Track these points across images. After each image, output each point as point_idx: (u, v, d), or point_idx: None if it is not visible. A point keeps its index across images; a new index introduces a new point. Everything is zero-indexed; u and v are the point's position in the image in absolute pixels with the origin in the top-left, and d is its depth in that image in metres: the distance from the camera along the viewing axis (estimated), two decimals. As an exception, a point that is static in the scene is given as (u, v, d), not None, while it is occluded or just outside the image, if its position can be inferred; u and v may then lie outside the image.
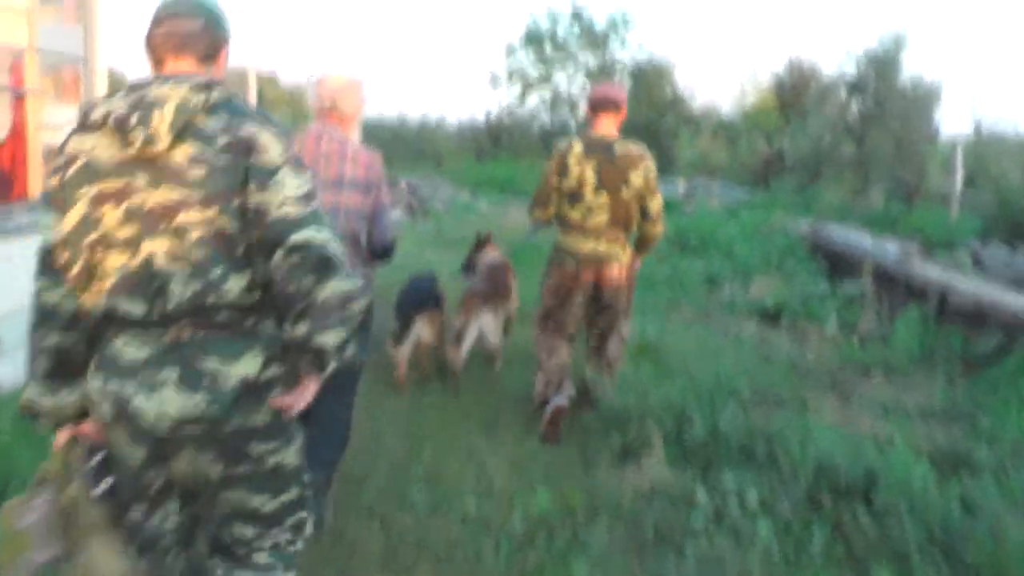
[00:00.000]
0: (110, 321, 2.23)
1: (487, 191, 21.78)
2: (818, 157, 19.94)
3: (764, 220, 13.53)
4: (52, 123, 7.68)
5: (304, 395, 2.37)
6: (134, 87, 2.21)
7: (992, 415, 5.30)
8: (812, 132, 20.90)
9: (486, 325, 6.07)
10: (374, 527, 4.03)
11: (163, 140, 2.12)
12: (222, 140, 2.17)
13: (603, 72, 30.32)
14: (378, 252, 4.19)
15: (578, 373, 5.50)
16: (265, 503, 2.42)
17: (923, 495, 3.89)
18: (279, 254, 2.15)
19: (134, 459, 2.27)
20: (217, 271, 2.18)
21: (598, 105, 5.20)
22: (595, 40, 30.50)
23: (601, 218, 5.11)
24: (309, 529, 2.62)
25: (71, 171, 2.19)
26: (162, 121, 2.12)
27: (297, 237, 2.14)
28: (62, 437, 2.39)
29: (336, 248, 2.19)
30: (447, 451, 4.98)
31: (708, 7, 62.28)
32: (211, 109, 2.20)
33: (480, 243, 7.06)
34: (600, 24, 30.62)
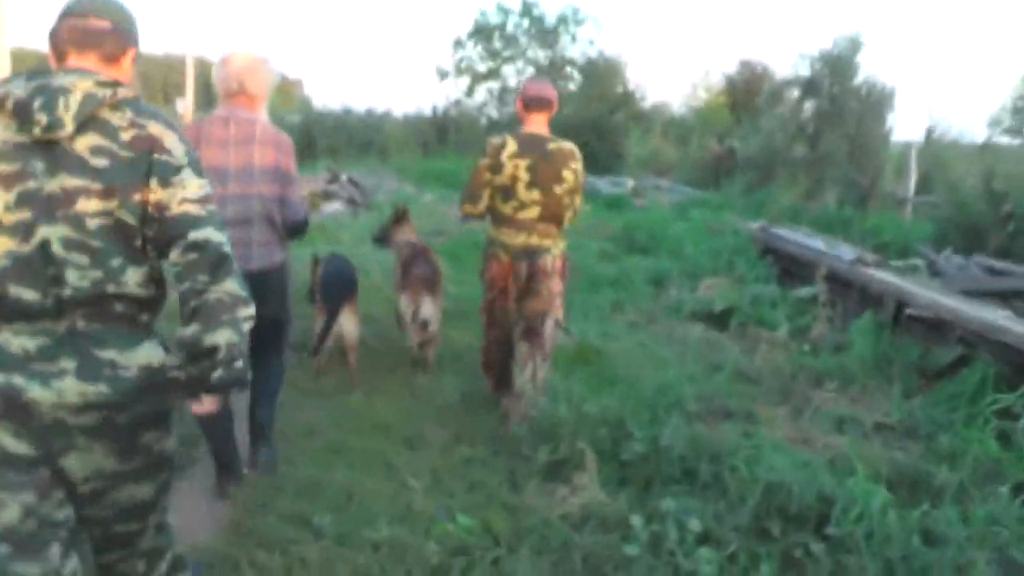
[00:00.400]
0: (0, 309, 2.20)
1: (433, 185, 21.31)
2: (770, 157, 19.62)
3: (714, 220, 13.17)
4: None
5: (208, 403, 2.56)
6: (34, 74, 2.23)
7: (952, 433, 4.96)
8: (764, 132, 20.66)
9: (428, 311, 6.00)
10: (274, 560, 3.57)
11: (67, 127, 2.15)
12: (126, 135, 2.22)
13: (553, 67, 29.94)
14: (292, 230, 4.31)
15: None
16: (148, 492, 2.45)
17: (882, 524, 3.55)
18: (176, 250, 2.21)
19: (19, 453, 2.21)
20: (115, 261, 2.21)
21: (532, 103, 5.23)
22: (545, 35, 30.05)
23: (532, 213, 5.16)
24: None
25: None
26: (67, 109, 2.15)
27: (196, 235, 2.21)
28: None
29: (228, 250, 2.24)
30: (363, 468, 4.54)
31: (660, 6, 62.48)
32: (117, 105, 2.25)
33: (398, 218, 6.86)
34: (551, 19, 30.19)
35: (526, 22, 30.02)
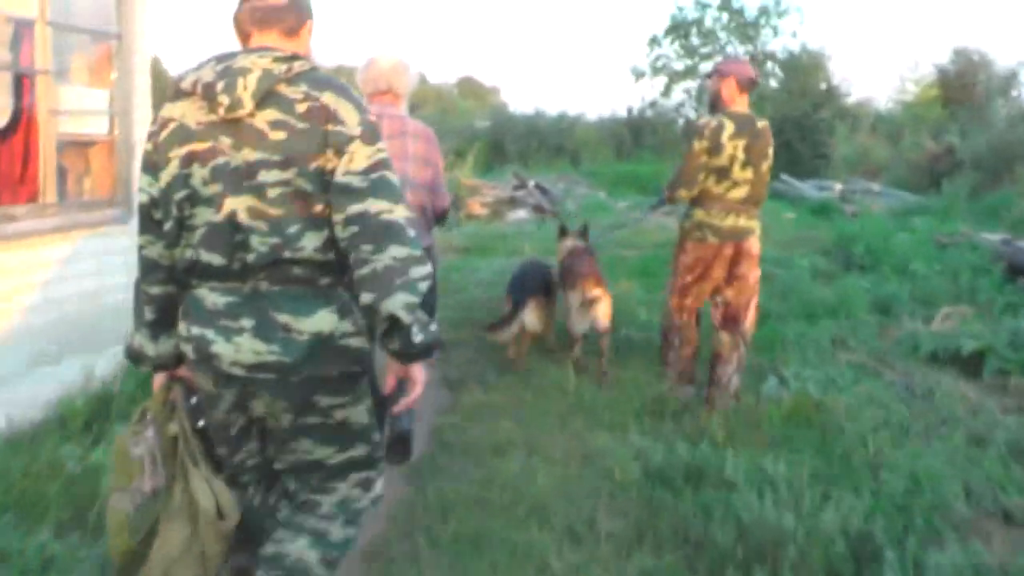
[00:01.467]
0: (196, 271, 2.39)
1: (625, 190, 20.11)
2: (1001, 155, 17.39)
3: (942, 230, 11.43)
4: (76, 109, 6.41)
5: (414, 385, 2.43)
6: (221, 58, 2.35)
7: None
8: (993, 127, 18.43)
9: (602, 307, 5.97)
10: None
11: (247, 105, 2.26)
12: (302, 107, 2.29)
13: (753, 63, 28.11)
14: (439, 216, 4.57)
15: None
16: (331, 456, 2.53)
17: None
18: (339, 226, 2.29)
19: (218, 399, 2.48)
20: (293, 228, 2.30)
21: (747, 84, 5.34)
22: (745, 29, 28.19)
23: (742, 193, 5.27)
24: (379, 490, 2.69)
25: (163, 135, 2.37)
26: (246, 88, 2.26)
27: (354, 208, 2.25)
28: (160, 379, 2.66)
29: (396, 216, 2.27)
30: (507, 571, 3.45)
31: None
32: (293, 79, 2.32)
33: (563, 232, 6.90)
34: (751, 12, 28.30)
35: (725, 16, 28.21)
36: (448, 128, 30.05)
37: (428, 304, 4.01)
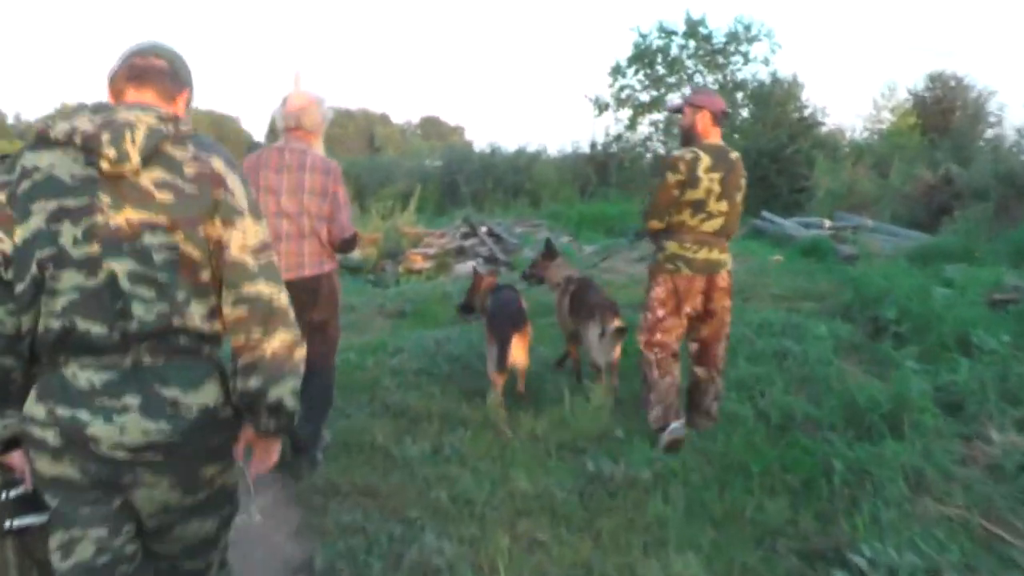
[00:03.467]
0: (62, 344, 2.20)
1: (592, 234, 17.72)
2: (1014, 184, 15.15)
3: (983, 281, 9.04)
4: None
5: (272, 456, 2.50)
6: (97, 108, 2.24)
7: None
8: (982, 153, 16.24)
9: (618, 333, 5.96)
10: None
11: (133, 161, 2.16)
12: (190, 169, 2.24)
13: (722, 92, 25.89)
14: (339, 247, 4.98)
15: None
16: (212, 527, 2.46)
17: None
18: (228, 303, 2.27)
19: (83, 486, 2.23)
20: (181, 295, 2.23)
21: (720, 116, 5.35)
22: (714, 57, 25.92)
23: (715, 225, 5.27)
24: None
25: (24, 185, 2.19)
26: (133, 143, 2.16)
27: (249, 288, 2.27)
28: None
29: (282, 301, 2.33)
30: None
31: (825, 21, 56.86)
32: (179, 139, 2.27)
33: (550, 253, 7.17)
34: (719, 38, 25.99)
35: (692, 43, 25.87)
36: (399, 170, 27.91)
37: (334, 322, 5.22)
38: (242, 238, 2.28)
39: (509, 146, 28.01)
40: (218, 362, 2.37)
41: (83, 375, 2.20)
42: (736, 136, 24.29)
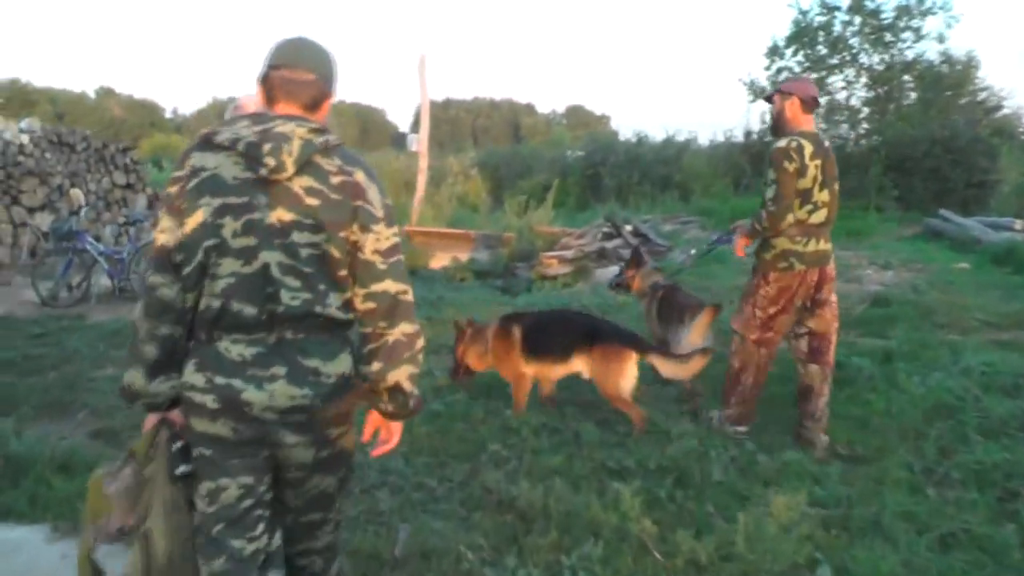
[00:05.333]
0: (218, 321, 2.50)
1: (747, 231, 15.52)
2: None
3: None
4: None
5: (393, 438, 2.84)
6: (256, 120, 2.50)
7: None
8: None
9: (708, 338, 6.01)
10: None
11: (288, 170, 2.44)
12: (336, 179, 2.51)
13: (890, 73, 23.16)
14: None
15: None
16: (332, 483, 2.74)
17: None
18: (359, 298, 2.57)
19: (234, 443, 2.52)
20: (322, 286, 2.52)
21: (811, 103, 5.24)
22: (881, 35, 23.12)
23: (821, 216, 5.18)
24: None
25: (194, 182, 2.48)
26: (290, 154, 2.44)
27: (376, 286, 2.56)
28: (151, 420, 2.73)
29: (408, 297, 2.62)
30: None
31: None
32: (327, 151, 2.54)
33: (637, 261, 7.26)
34: (888, 12, 23.11)
35: (857, 19, 23.13)
36: (540, 161, 26.12)
37: None
38: (375, 242, 2.55)
39: (656, 135, 25.84)
40: (349, 339, 2.65)
41: (235, 349, 2.50)
42: (903, 124, 21.61)
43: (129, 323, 2.75)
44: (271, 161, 2.41)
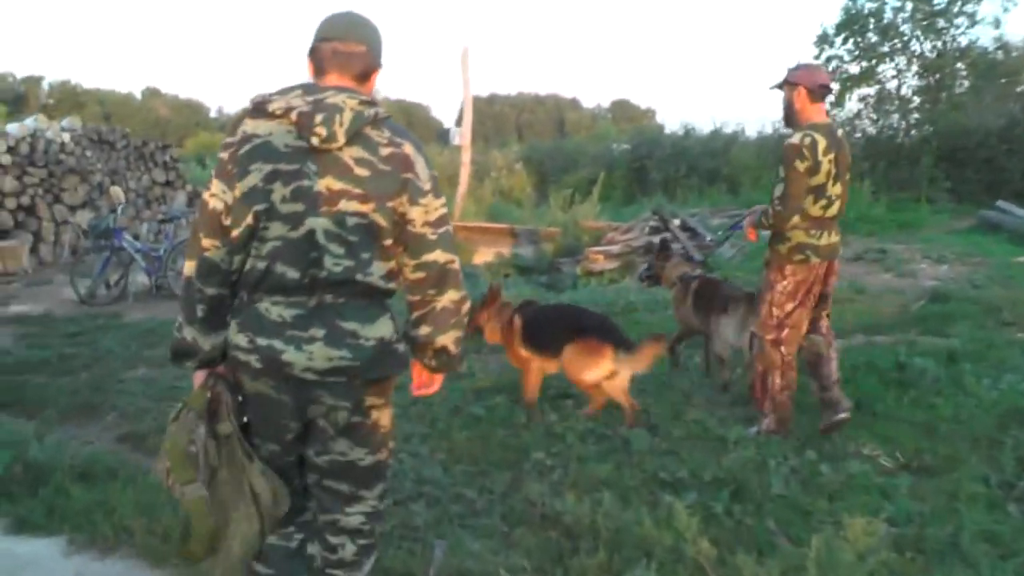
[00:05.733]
0: (261, 282, 2.56)
1: (797, 225, 15.07)
2: None
3: None
4: None
5: (435, 385, 2.99)
6: (308, 90, 2.54)
7: None
8: None
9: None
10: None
11: (339, 140, 2.48)
12: (385, 151, 2.56)
13: (942, 60, 22.46)
14: None
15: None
16: (363, 457, 2.74)
17: None
18: (409, 267, 2.65)
19: (278, 403, 2.63)
20: (365, 254, 2.55)
21: (820, 91, 5.10)
22: (933, 21, 22.41)
23: (834, 209, 5.10)
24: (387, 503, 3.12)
25: (245, 148, 2.53)
26: (341, 125, 2.48)
27: (427, 256, 2.63)
28: (200, 376, 2.75)
29: (455, 266, 2.70)
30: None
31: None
32: (377, 123, 2.57)
33: (665, 252, 7.32)
34: (940, -1, 22.34)
35: (909, 5, 22.43)
36: (584, 155, 25.72)
37: None
38: (424, 214, 2.61)
39: (703, 127, 25.32)
40: (388, 305, 2.70)
41: (275, 310, 2.56)
42: (956, 114, 20.96)
43: (182, 283, 2.69)
44: (322, 131, 2.46)
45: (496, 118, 78.11)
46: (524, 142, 35.80)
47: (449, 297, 2.67)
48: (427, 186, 2.60)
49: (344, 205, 2.50)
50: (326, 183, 2.49)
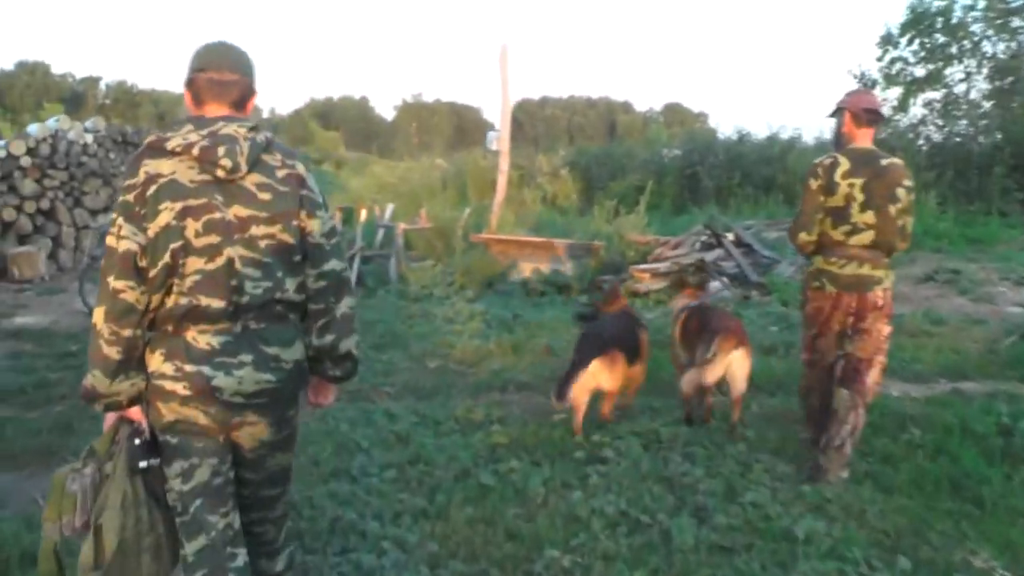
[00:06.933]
0: (187, 315, 2.59)
1: (860, 238, 13.76)
2: None
3: None
4: None
5: (331, 397, 3.13)
6: (198, 124, 2.62)
7: None
8: None
9: (739, 366, 5.53)
10: None
11: (243, 169, 2.59)
12: (281, 173, 2.69)
13: (1014, 63, 20.92)
14: None
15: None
16: (287, 459, 2.92)
17: None
18: (311, 278, 2.76)
19: (203, 426, 2.65)
20: (279, 273, 2.67)
21: (863, 116, 4.92)
22: (1007, 19, 20.85)
23: (865, 239, 4.81)
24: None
25: (152, 188, 2.54)
26: (242, 154, 2.58)
27: (325, 266, 2.76)
28: (111, 419, 2.77)
29: (348, 273, 2.86)
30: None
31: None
32: (269, 148, 2.70)
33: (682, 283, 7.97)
34: (1016, -1, 20.80)
35: (981, 3, 20.90)
36: (633, 161, 24.47)
37: None
38: (321, 226, 2.74)
39: (759, 132, 23.95)
40: (299, 326, 2.82)
41: (202, 339, 2.60)
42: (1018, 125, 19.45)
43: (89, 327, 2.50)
44: (227, 162, 2.54)
45: (547, 121, 77.10)
46: (573, 146, 34.52)
47: (347, 303, 2.83)
48: (319, 199, 2.77)
49: (254, 230, 2.61)
50: (234, 211, 2.59)
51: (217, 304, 2.57)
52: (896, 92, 21.95)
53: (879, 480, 4.80)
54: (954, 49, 21.51)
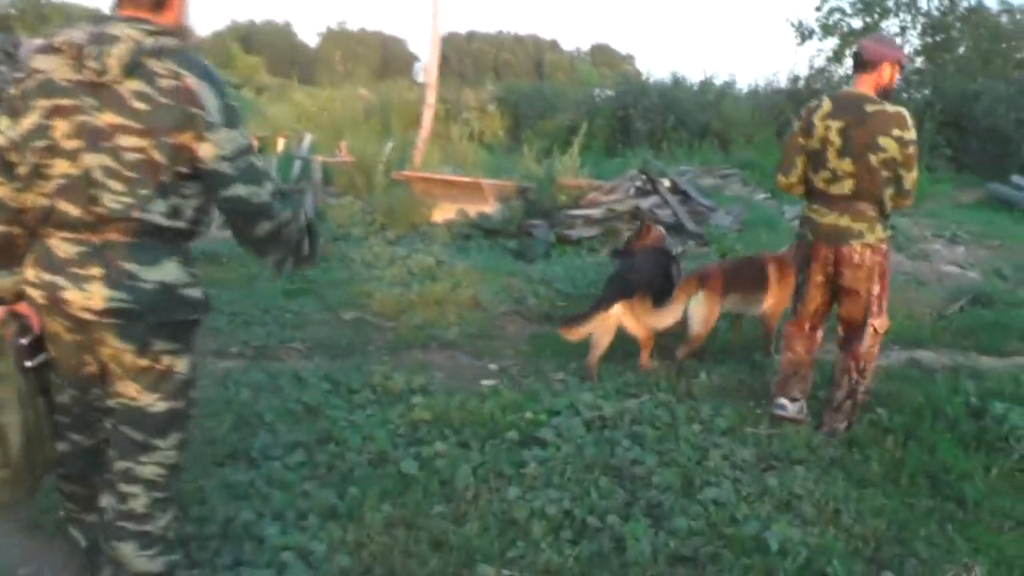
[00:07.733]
0: (47, 220, 2.46)
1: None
2: None
3: None
4: None
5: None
6: (96, 20, 2.44)
7: None
8: None
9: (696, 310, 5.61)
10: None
11: (112, 72, 2.34)
12: (165, 83, 2.39)
13: (943, 23, 20.78)
14: None
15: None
16: (153, 403, 2.58)
17: None
18: (214, 202, 2.57)
19: (70, 342, 2.54)
20: (144, 191, 2.42)
21: (855, 59, 4.69)
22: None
23: (845, 188, 4.55)
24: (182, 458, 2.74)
25: (30, 84, 2.41)
26: (116, 57, 2.33)
27: (227, 192, 2.50)
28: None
29: (263, 198, 2.55)
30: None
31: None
32: (160, 54, 2.40)
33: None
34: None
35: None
36: (564, 100, 23.73)
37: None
38: (214, 149, 2.43)
39: (690, 75, 23.43)
40: (180, 248, 2.57)
41: (63, 246, 2.46)
42: (956, 78, 19.34)
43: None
44: (93, 64, 2.35)
45: (475, 56, 75.60)
46: (501, 82, 33.58)
47: (261, 228, 2.60)
48: (216, 118, 2.45)
49: (122, 140, 2.40)
50: (106, 118, 2.39)
51: (74, 211, 2.42)
52: (832, 43, 21.60)
53: (850, 471, 4.25)
54: (891, 3, 21.23)
